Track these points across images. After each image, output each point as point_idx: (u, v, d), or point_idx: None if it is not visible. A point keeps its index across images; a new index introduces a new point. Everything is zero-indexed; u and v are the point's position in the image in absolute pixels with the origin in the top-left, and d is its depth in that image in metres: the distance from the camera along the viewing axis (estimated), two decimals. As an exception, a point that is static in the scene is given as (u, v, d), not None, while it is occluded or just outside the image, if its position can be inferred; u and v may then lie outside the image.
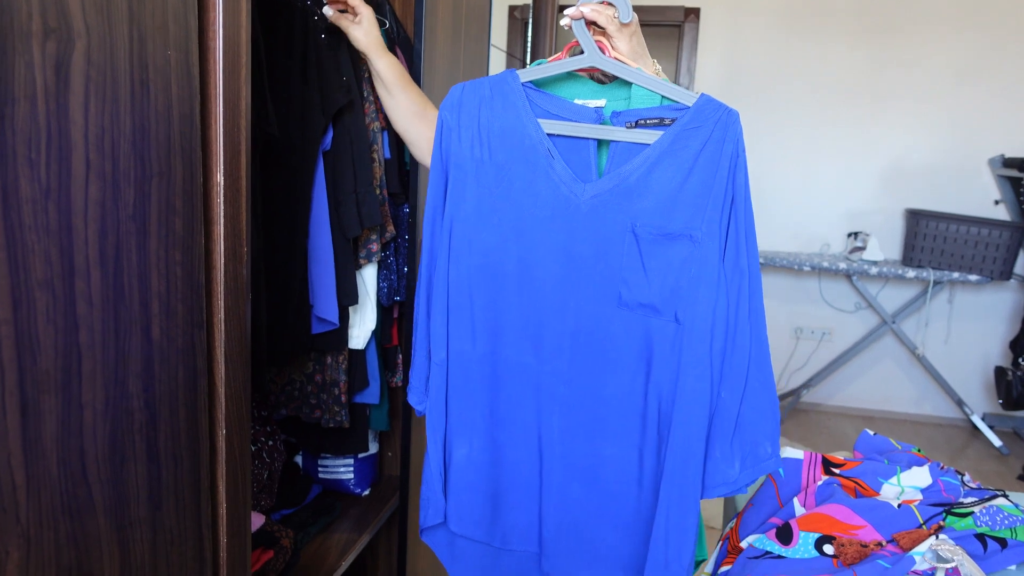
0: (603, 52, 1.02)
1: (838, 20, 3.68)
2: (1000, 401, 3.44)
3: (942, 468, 1.33)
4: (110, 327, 0.69)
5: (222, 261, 0.83)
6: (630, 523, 1.09)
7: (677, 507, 1.03)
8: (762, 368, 1.02)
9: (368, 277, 1.39)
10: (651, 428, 1.05)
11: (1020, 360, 3.41)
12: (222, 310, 0.84)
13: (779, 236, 3.92)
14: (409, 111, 1.25)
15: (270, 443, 1.38)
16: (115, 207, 0.68)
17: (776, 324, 3.99)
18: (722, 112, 0.98)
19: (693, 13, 3.79)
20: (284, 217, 1.24)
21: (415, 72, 1.41)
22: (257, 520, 1.27)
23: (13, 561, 0.62)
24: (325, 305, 1.26)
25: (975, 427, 3.70)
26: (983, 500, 1.26)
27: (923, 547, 1.14)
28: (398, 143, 1.45)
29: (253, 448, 1.35)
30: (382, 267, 1.44)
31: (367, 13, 1.23)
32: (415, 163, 1.42)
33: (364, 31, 1.23)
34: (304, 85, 1.22)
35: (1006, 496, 1.29)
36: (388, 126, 1.42)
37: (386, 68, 1.24)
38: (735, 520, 1.35)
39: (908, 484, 1.29)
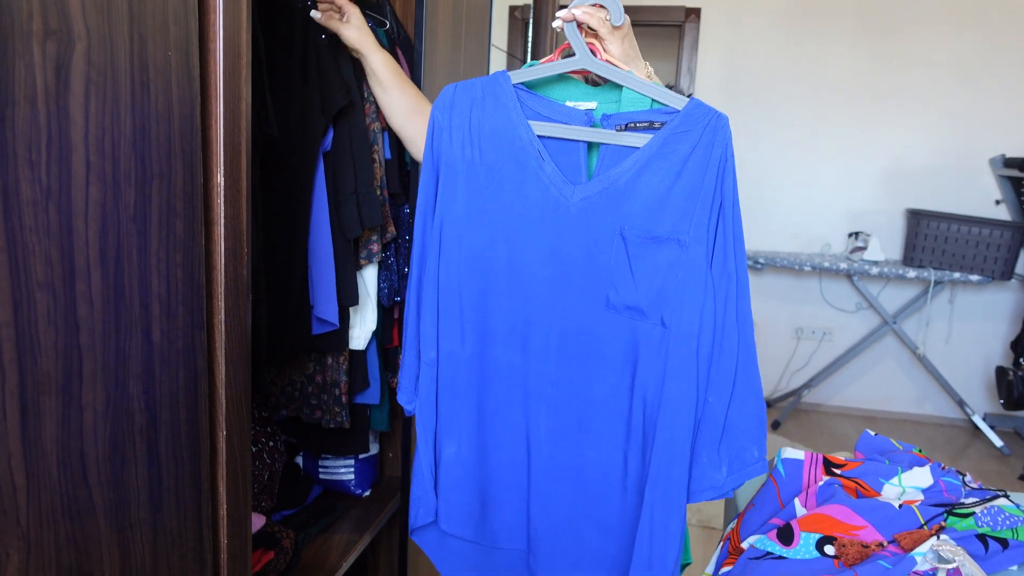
0: (595, 54, 1.03)
1: (838, 20, 3.68)
2: (1001, 401, 3.43)
3: (943, 468, 1.33)
4: (111, 328, 0.69)
5: (222, 262, 0.83)
6: (614, 525, 1.10)
7: (662, 510, 1.03)
8: (749, 373, 1.02)
9: (369, 278, 1.39)
10: (636, 431, 1.05)
11: (1021, 360, 3.41)
12: (222, 311, 0.84)
13: (780, 236, 3.92)
14: (406, 108, 1.25)
15: (271, 444, 1.38)
16: (115, 208, 0.68)
17: (777, 324, 3.99)
18: (711, 116, 0.98)
19: (693, 13, 3.79)
20: (284, 218, 1.24)
21: (415, 72, 1.41)
22: (258, 521, 1.27)
23: (13, 563, 0.62)
24: (325, 306, 1.26)
25: (976, 427, 3.70)
26: (984, 500, 1.26)
27: (924, 548, 1.14)
28: (398, 143, 1.45)
29: (254, 449, 1.35)
30: (383, 268, 1.44)
31: (354, 11, 1.23)
32: (416, 164, 1.42)
33: (355, 28, 1.23)
34: (304, 85, 1.22)
35: (1007, 496, 1.29)
36: (388, 126, 1.42)
37: (381, 64, 1.24)
38: (736, 521, 1.35)
39: (909, 484, 1.29)
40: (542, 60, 1.08)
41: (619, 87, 1.06)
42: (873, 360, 3.93)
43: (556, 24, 1.04)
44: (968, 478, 1.34)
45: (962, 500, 1.27)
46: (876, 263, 3.59)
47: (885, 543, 1.19)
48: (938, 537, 1.16)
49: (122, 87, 0.68)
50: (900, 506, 1.24)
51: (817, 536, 1.21)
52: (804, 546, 1.21)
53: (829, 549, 1.20)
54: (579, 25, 1.02)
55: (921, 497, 1.27)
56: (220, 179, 0.82)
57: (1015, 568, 1.18)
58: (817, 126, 3.79)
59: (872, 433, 1.48)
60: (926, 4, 3.59)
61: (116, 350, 0.70)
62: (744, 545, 1.27)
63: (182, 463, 0.81)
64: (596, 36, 1.04)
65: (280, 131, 1.18)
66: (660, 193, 0.99)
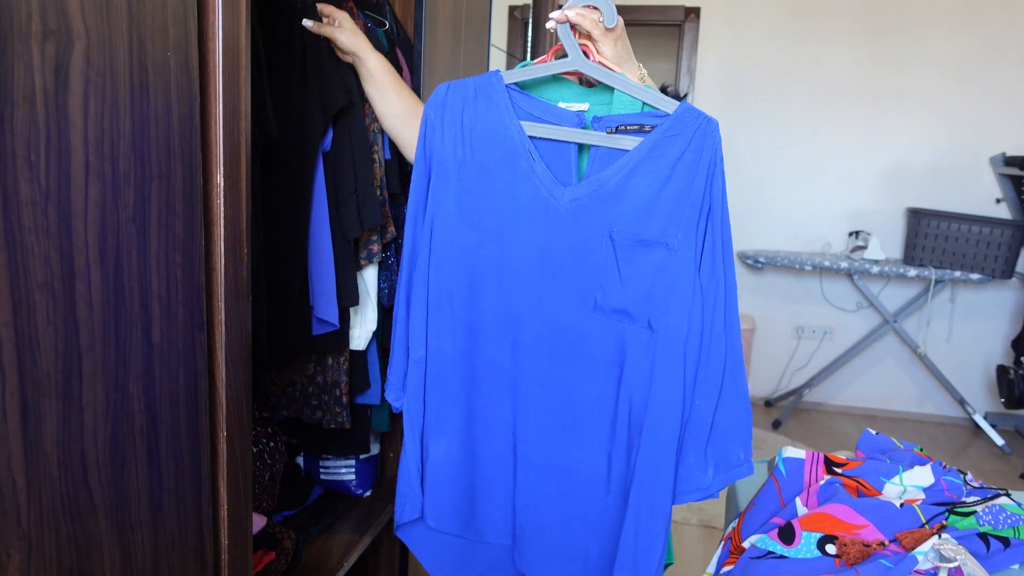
0: (587, 56, 1.02)
1: (838, 20, 3.68)
2: (1002, 400, 3.43)
3: (944, 467, 1.33)
4: (110, 329, 0.69)
5: (222, 262, 0.83)
6: (598, 525, 1.10)
7: (647, 511, 1.04)
8: (736, 376, 1.03)
9: (369, 278, 1.39)
10: (620, 433, 1.06)
11: (1022, 359, 3.41)
12: (223, 311, 0.84)
13: (780, 235, 3.92)
14: (403, 111, 1.25)
15: (271, 444, 1.38)
16: (115, 209, 0.68)
17: (777, 324, 3.99)
18: (701, 121, 0.98)
19: (693, 13, 3.79)
20: (284, 218, 1.24)
21: (415, 72, 1.41)
22: (259, 522, 1.27)
23: (14, 564, 0.62)
24: (325, 306, 1.26)
25: (977, 426, 3.70)
26: (986, 499, 1.26)
27: (926, 547, 1.14)
28: (398, 144, 1.45)
29: (254, 450, 1.35)
30: (383, 268, 1.44)
31: (343, 15, 1.23)
32: (415, 164, 1.42)
33: (348, 32, 1.22)
34: (304, 86, 1.22)
35: (1008, 495, 1.29)
36: (388, 127, 1.42)
37: (377, 66, 1.24)
38: (737, 520, 1.35)
39: (910, 483, 1.29)
40: (535, 60, 1.08)
41: (611, 89, 1.06)
42: (874, 359, 3.93)
43: (549, 25, 1.04)
44: (969, 477, 1.34)
45: (963, 499, 1.27)
46: (877, 262, 3.58)
47: (886, 542, 1.19)
48: (939, 536, 1.16)
49: (121, 88, 0.68)
50: (901, 505, 1.24)
51: (818, 535, 1.21)
52: (805, 545, 1.21)
53: (830, 548, 1.20)
54: (572, 26, 1.02)
55: (922, 496, 1.27)
56: (220, 179, 0.82)
57: (1016, 567, 1.18)
58: (817, 126, 3.79)
59: (873, 432, 1.48)
60: (926, 4, 3.59)
61: (116, 351, 0.70)
62: (745, 544, 1.27)
63: (182, 464, 0.81)
64: (590, 37, 1.04)
65: (280, 131, 1.18)
66: (649, 196, 0.99)
